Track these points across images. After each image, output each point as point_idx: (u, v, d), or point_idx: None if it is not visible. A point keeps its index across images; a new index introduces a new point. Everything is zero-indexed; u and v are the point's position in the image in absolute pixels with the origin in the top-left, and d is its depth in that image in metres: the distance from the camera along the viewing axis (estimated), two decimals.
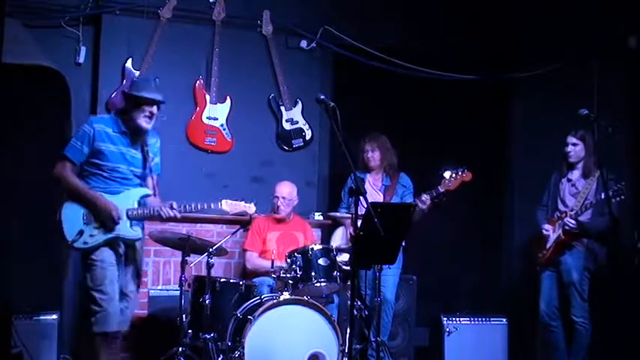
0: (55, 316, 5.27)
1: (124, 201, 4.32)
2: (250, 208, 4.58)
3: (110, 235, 4.27)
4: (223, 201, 4.43)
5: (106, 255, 4.27)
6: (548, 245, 5.36)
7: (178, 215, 4.36)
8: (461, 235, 6.56)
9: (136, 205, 4.34)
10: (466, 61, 6.49)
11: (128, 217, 4.30)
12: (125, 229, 4.31)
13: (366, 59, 6.23)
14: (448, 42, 6.53)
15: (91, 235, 4.26)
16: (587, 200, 5.22)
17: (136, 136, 4.38)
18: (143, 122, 4.34)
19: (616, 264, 5.44)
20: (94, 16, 5.80)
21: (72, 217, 4.28)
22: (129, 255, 4.43)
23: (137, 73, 5.77)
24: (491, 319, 5.96)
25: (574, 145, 5.35)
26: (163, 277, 5.78)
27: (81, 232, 4.25)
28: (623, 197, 4.93)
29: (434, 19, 6.54)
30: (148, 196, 4.43)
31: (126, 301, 4.42)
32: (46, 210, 5.78)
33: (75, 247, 4.29)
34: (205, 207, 4.55)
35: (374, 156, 5.65)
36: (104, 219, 4.25)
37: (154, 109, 4.36)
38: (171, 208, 4.32)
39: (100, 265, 4.25)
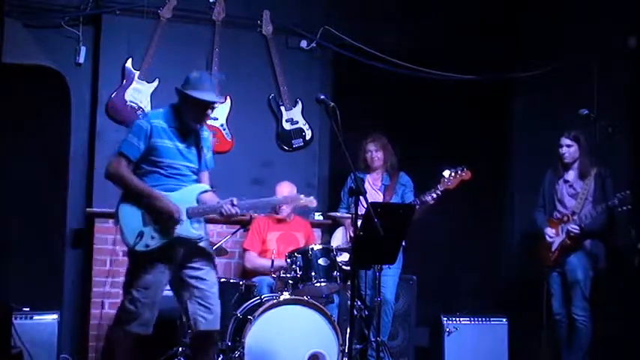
0: (55, 316, 5.27)
1: (183, 199, 4.05)
2: (312, 202, 4.34)
3: (172, 236, 3.99)
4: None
5: (159, 260, 3.98)
6: (553, 249, 5.38)
7: (239, 212, 4.07)
8: (461, 235, 6.56)
9: (195, 203, 4.08)
10: (466, 61, 6.49)
11: (188, 215, 4.02)
12: (186, 228, 4.02)
13: (366, 59, 6.23)
14: (448, 42, 6.53)
15: (152, 237, 3.96)
16: (587, 202, 5.26)
17: (190, 131, 4.14)
18: (192, 123, 4.11)
19: (616, 264, 5.44)
20: (94, 16, 5.80)
21: (130, 218, 4.00)
22: (193, 253, 4.09)
23: (137, 73, 5.77)
24: (492, 319, 5.96)
25: (568, 146, 5.38)
26: None
27: (141, 234, 3.95)
28: (629, 206, 4.92)
29: (434, 19, 6.53)
30: (206, 192, 4.16)
31: (207, 297, 4.06)
32: (46, 210, 5.82)
33: (137, 250, 3.96)
34: (265, 202, 4.41)
35: (377, 156, 5.65)
36: (165, 220, 3.97)
37: (209, 112, 4.11)
38: (232, 204, 4.02)
39: (149, 270, 3.96)
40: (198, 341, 4.12)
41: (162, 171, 4.05)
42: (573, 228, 5.23)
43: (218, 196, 4.17)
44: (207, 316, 4.03)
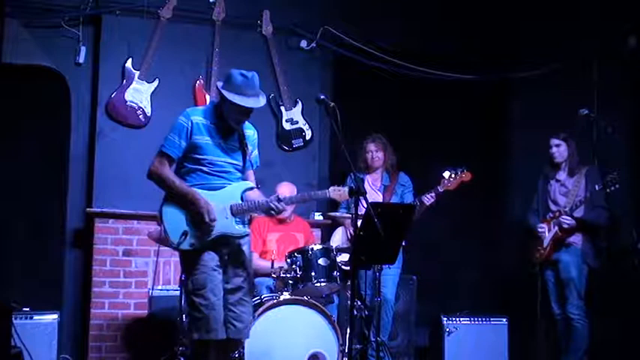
0: (55, 316, 5.26)
1: (227, 196, 3.99)
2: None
3: (216, 234, 3.94)
4: (331, 188, 4.18)
5: (209, 258, 3.93)
6: (545, 244, 5.42)
7: (285, 208, 4.04)
8: (461, 235, 6.56)
9: (239, 200, 4.01)
10: (466, 61, 6.49)
11: (232, 213, 3.97)
12: (230, 225, 3.97)
13: (366, 59, 6.23)
14: (448, 42, 6.54)
15: (196, 236, 3.93)
16: (578, 197, 5.30)
17: (232, 129, 4.06)
18: (232, 123, 4.02)
19: (615, 264, 5.45)
20: (94, 16, 5.80)
21: (174, 217, 3.95)
22: (234, 257, 4.06)
23: (137, 73, 5.77)
24: (491, 319, 5.96)
25: (557, 146, 5.47)
26: (163, 277, 5.77)
27: (185, 233, 3.91)
28: (617, 186, 5.01)
29: (434, 19, 6.54)
30: (250, 189, 4.10)
31: (241, 305, 4.05)
32: (46, 210, 5.82)
33: (181, 249, 3.95)
34: (313, 195, 4.37)
35: (378, 156, 5.65)
36: (197, 221, 3.92)
37: (249, 113, 4.02)
38: (278, 200, 3.96)
39: (202, 269, 3.92)
40: (222, 348, 4.07)
41: (204, 168, 3.99)
42: (565, 219, 5.27)
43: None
44: (237, 324, 4.00)
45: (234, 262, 4.04)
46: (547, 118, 6.16)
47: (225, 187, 4.01)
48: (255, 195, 4.09)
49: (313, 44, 6.23)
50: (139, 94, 5.79)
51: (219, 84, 4.04)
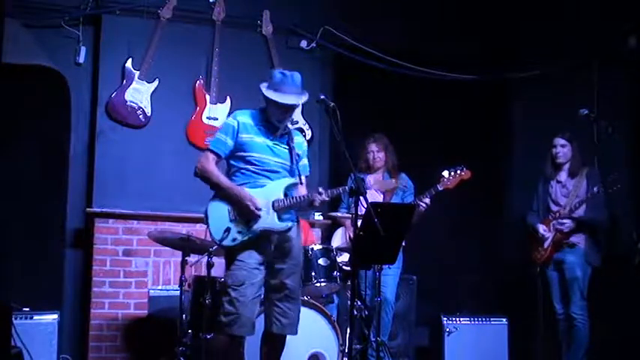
0: (55, 316, 5.27)
1: (270, 192, 4.04)
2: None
3: (258, 229, 3.99)
4: (370, 177, 4.14)
5: (250, 256, 3.99)
6: (545, 245, 5.43)
7: (327, 198, 4.06)
8: (461, 234, 6.56)
9: (282, 196, 4.06)
10: (466, 61, 6.49)
11: (274, 208, 4.02)
12: (272, 221, 4.02)
13: (365, 59, 6.23)
14: (448, 42, 6.53)
15: (239, 232, 3.99)
16: (577, 198, 5.30)
17: (278, 129, 4.12)
18: (275, 122, 4.09)
19: (616, 264, 5.45)
20: (94, 16, 5.80)
21: (218, 214, 4.03)
22: (280, 253, 4.09)
23: (137, 73, 5.77)
24: (492, 319, 5.96)
25: (562, 146, 5.45)
26: (163, 277, 5.77)
27: (228, 230, 3.98)
28: (619, 186, 5.01)
29: (434, 19, 6.54)
30: (294, 185, 4.13)
31: (287, 302, 4.09)
32: (46, 210, 5.82)
33: (224, 245, 4.01)
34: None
35: (379, 156, 5.65)
36: (242, 210, 3.97)
37: (289, 111, 4.08)
38: (319, 193, 4.01)
39: (242, 265, 3.97)
40: (268, 342, 4.10)
41: (251, 167, 4.05)
42: (561, 222, 5.29)
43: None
44: (283, 320, 4.03)
45: (280, 258, 4.08)
46: (547, 118, 6.16)
47: (267, 185, 4.06)
48: (299, 190, 4.13)
49: (313, 44, 6.23)
50: (139, 94, 5.79)
51: (263, 85, 4.09)
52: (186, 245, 4.90)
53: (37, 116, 5.74)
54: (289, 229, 4.08)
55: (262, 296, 4.11)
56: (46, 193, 5.82)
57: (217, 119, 5.94)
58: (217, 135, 4.11)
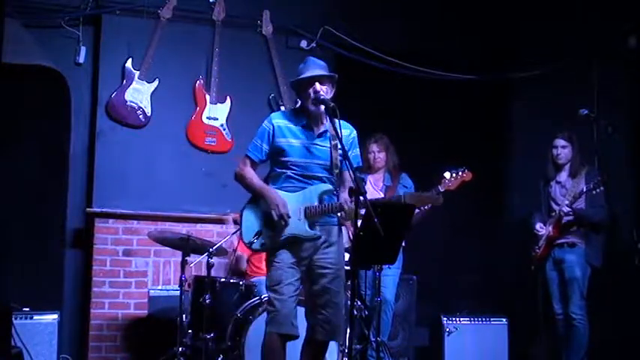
0: (55, 316, 5.27)
1: (304, 198, 3.98)
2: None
3: (286, 235, 3.95)
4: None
5: (285, 257, 3.95)
6: (540, 243, 5.45)
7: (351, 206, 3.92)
8: (461, 234, 6.56)
9: (316, 202, 3.98)
10: (466, 61, 6.49)
11: (306, 215, 3.96)
12: (301, 227, 3.95)
13: (365, 59, 6.23)
14: (448, 42, 6.54)
15: (269, 236, 3.98)
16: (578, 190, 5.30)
17: (320, 126, 4.02)
18: (312, 107, 3.97)
19: (616, 263, 5.45)
20: (94, 16, 5.80)
21: (251, 218, 4.03)
22: (319, 259, 4.00)
23: (137, 73, 5.77)
24: (492, 319, 5.96)
25: (563, 147, 5.45)
26: (163, 277, 5.78)
27: (259, 233, 3.99)
28: (602, 188, 5.05)
29: (434, 19, 6.54)
30: (329, 192, 4.05)
31: (329, 307, 3.98)
32: (46, 210, 5.82)
33: (253, 248, 4.06)
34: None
35: (380, 156, 5.65)
36: (274, 217, 3.93)
37: (317, 86, 3.94)
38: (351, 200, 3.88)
39: (278, 266, 3.95)
40: (311, 349, 4.06)
41: (289, 172, 4.00)
42: (563, 209, 5.28)
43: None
44: (326, 326, 3.99)
45: (319, 264, 4.01)
46: (547, 118, 6.16)
47: (301, 190, 4.01)
48: (344, 197, 4.05)
49: (313, 44, 6.23)
50: (139, 94, 5.79)
51: (293, 80, 4.07)
52: (186, 245, 4.91)
53: (37, 116, 5.74)
54: (318, 237, 4.00)
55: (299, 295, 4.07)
56: (46, 193, 5.82)
57: (217, 119, 5.94)
58: (254, 140, 4.08)
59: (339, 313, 4.02)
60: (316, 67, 4.01)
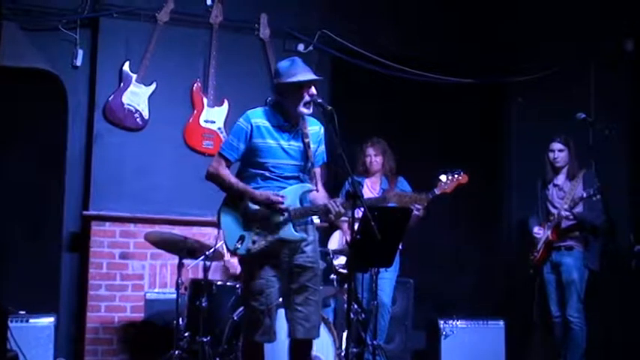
0: (51, 320, 5.26)
1: (286, 200, 3.91)
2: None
3: (273, 238, 3.88)
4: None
5: (268, 265, 3.89)
6: (538, 247, 5.45)
7: (343, 211, 3.89)
8: (458, 238, 6.57)
9: (298, 204, 3.93)
10: (464, 65, 6.50)
11: (291, 217, 3.89)
12: (288, 231, 3.89)
13: (363, 63, 6.24)
14: (446, 45, 6.55)
15: (253, 241, 3.87)
16: (576, 195, 5.31)
17: (295, 126, 3.96)
18: (304, 109, 3.90)
19: (613, 267, 5.46)
20: (91, 19, 5.80)
21: (231, 222, 3.92)
22: (298, 258, 3.95)
23: (134, 76, 5.77)
24: (489, 322, 5.96)
25: (560, 150, 5.47)
26: (160, 280, 5.77)
27: (242, 238, 3.87)
28: (599, 196, 5.05)
29: (432, 23, 6.55)
30: (310, 191, 4.00)
31: (308, 305, 3.94)
32: (42, 213, 5.81)
33: (238, 254, 3.93)
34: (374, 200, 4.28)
35: (377, 160, 5.65)
36: (268, 214, 3.85)
37: (312, 89, 3.90)
38: (336, 202, 3.88)
39: (261, 275, 3.88)
40: (295, 349, 4.04)
41: (266, 173, 3.93)
42: (563, 212, 5.28)
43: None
44: (306, 324, 3.95)
45: (297, 262, 3.96)
46: (545, 120, 6.17)
47: (281, 191, 3.93)
48: (321, 196, 4.02)
49: (310, 48, 6.23)
50: (137, 97, 5.79)
51: (277, 79, 3.95)
52: (183, 248, 4.90)
53: (35, 119, 5.74)
54: (304, 239, 3.97)
55: (281, 302, 4.04)
56: (43, 196, 5.81)
57: (215, 122, 5.94)
58: (229, 138, 3.98)
59: (316, 311, 4.00)
60: (308, 71, 3.95)
